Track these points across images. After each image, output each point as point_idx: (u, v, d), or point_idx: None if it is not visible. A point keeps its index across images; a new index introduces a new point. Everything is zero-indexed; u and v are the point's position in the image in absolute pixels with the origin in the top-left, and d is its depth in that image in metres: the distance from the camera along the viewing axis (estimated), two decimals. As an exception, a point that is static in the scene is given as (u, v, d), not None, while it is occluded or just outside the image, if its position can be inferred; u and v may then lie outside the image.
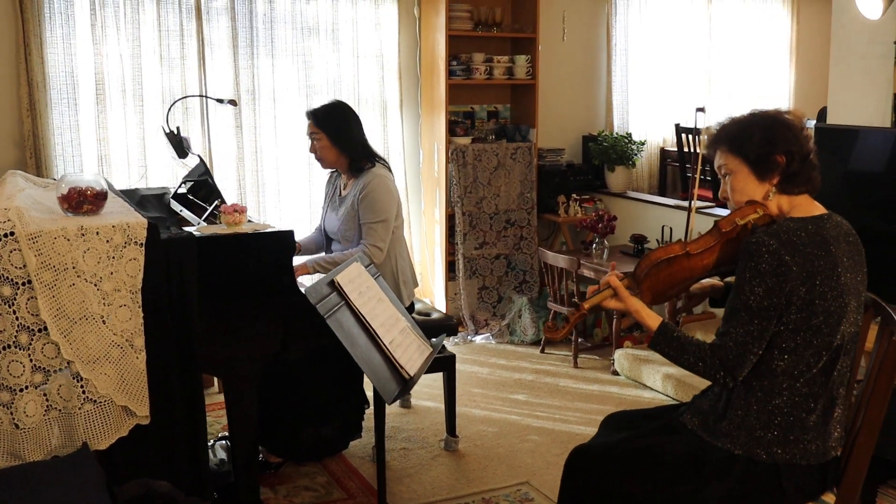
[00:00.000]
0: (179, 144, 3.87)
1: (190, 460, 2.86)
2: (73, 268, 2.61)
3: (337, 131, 3.86)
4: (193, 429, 2.87)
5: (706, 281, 2.60)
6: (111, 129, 4.85)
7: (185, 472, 2.85)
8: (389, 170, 4.04)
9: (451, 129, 5.71)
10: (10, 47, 4.62)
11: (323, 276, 2.94)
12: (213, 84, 5.07)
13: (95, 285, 2.65)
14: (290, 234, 2.98)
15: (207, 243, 2.87)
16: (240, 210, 2.98)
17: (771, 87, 7.10)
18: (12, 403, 2.59)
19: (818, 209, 2.27)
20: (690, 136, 6.18)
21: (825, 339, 2.16)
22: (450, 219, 5.72)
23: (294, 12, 5.28)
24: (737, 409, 2.24)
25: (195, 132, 5.03)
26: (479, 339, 5.63)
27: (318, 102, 4.07)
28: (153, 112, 4.89)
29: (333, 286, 2.68)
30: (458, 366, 3.91)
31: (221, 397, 4.25)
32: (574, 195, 5.97)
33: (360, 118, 4.03)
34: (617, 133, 6.20)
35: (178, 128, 4.00)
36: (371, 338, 2.63)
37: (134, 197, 3.90)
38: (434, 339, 3.03)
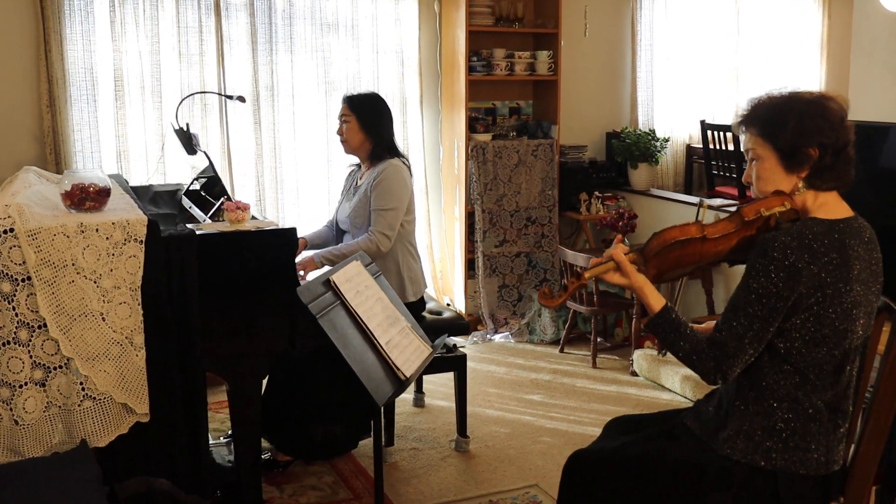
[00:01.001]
0: (189, 141, 3.87)
1: (190, 458, 2.86)
2: (73, 265, 2.61)
3: (367, 117, 3.95)
4: (194, 426, 2.86)
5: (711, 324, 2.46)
6: (130, 125, 4.86)
7: (186, 469, 2.85)
8: (409, 167, 4.03)
9: (472, 126, 5.66)
10: (31, 44, 4.65)
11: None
12: (231, 81, 5.07)
13: (95, 282, 2.64)
14: (291, 231, 2.96)
15: (208, 241, 2.86)
16: (242, 207, 2.96)
17: (801, 84, 6.91)
18: (12, 400, 2.60)
19: (845, 211, 2.15)
20: (717, 133, 6.08)
21: (830, 349, 2.08)
22: (469, 216, 5.67)
23: (313, 8, 5.26)
24: (738, 415, 2.16)
25: (214, 129, 5.03)
26: (498, 337, 5.58)
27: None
28: (171, 109, 4.86)
29: (329, 285, 2.64)
30: (475, 365, 3.88)
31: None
32: (596, 193, 5.88)
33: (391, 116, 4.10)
34: (640, 130, 6.10)
35: (187, 124, 4.00)
36: (367, 338, 2.59)
37: (147, 193, 3.92)
38: (437, 340, 2.99)
